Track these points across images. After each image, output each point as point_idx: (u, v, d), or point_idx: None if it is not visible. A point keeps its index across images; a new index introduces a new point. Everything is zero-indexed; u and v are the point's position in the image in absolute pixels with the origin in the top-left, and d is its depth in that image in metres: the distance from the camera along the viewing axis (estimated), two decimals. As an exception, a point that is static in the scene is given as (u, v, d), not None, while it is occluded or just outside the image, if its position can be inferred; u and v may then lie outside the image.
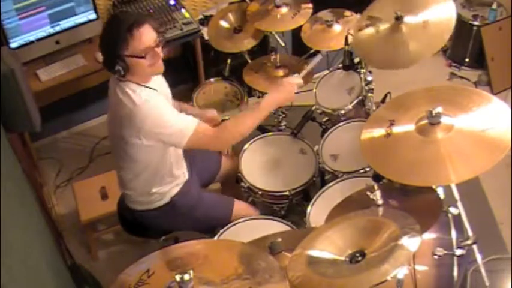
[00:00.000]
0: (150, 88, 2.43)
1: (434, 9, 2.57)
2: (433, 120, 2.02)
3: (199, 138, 2.42)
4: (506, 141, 1.90)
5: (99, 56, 3.40)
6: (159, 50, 2.38)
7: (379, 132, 2.15)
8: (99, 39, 2.41)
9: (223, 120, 2.97)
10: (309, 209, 2.68)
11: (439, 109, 2.01)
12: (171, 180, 2.61)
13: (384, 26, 2.68)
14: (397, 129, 2.12)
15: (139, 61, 2.34)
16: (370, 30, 2.73)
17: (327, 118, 3.17)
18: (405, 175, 1.99)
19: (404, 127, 2.11)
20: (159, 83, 2.54)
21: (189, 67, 4.02)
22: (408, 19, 2.60)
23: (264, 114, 2.55)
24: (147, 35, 2.33)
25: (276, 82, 2.84)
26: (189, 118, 2.44)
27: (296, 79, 2.71)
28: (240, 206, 2.79)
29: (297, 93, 3.32)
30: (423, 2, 2.63)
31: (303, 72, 2.87)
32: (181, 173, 2.67)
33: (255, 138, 3.09)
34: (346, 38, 2.88)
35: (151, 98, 2.38)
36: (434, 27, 2.53)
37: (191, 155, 2.76)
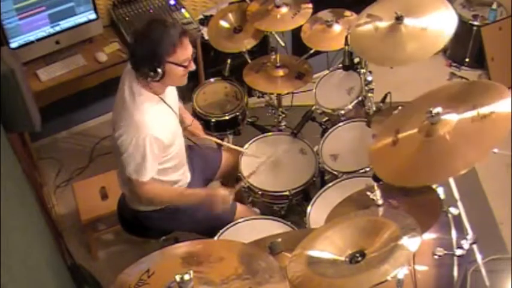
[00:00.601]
0: (161, 100, 2.44)
1: (435, 15, 2.58)
2: (434, 120, 2.02)
3: (140, 186, 2.45)
4: (507, 119, 1.92)
5: (100, 56, 3.44)
6: (192, 63, 2.42)
7: (386, 142, 2.16)
8: (138, 39, 2.38)
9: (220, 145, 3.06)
10: (309, 209, 2.68)
11: (439, 109, 2.01)
12: (172, 184, 2.61)
13: (383, 25, 2.68)
14: (402, 135, 2.13)
15: (177, 69, 2.36)
16: (368, 27, 2.73)
17: (327, 118, 3.17)
18: (416, 178, 2.01)
19: (408, 132, 2.12)
20: (171, 92, 2.56)
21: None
22: (408, 21, 2.60)
23: (184, 201, 2.62)
24: (190, 46, 2.39)
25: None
26: (152, 170, 2.44)
27: (225, 193, 2.63)
28: (241, 210, 2.79)
29: (297, 93, 3.35)
30: (425, 7, 2.63)
31: (233, 191, 2.73)
32: (183, 176, 2.67)
33: (255, 138, 3.09)
34: (346, 38, 2.88)
35: (151, 121, 2.37)
36: (432, 33, 2.54)
37: (191, 155, 2.76)
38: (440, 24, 2.54)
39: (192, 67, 2.43)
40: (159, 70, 2.33)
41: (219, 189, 2.66)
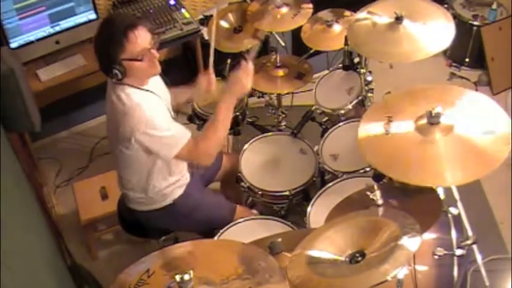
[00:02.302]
0: (147, 90, 2.42)
1: (434, 23, 2.59)
2: (433, 120, 2.02)
3: (190, 149, 2.42)
4: (504, 149, 1.90)
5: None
6: (154, 51, 2.37)
7: (377, 128, 2.13)
8: (94, 44, 2.38)
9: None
10: (309, 209, 2.68)
11: (439, 109, 2.01)
12: (171, 183, 2.61)
13: (382, 21, 2.68)
14: (395, 126, 2.11)
15: (136, 64, 2.32)
16: (367, 22, 2.73)
17: (327, 118, 3.17)
18: (403, 173, 1.98)
19: (403, 124, 2.10)
20: (156, 84, 2.53)
21: (189, 67, 4.02)
22: (407, 23, 2.61)
23: (227, 113, 2.52)
24: (142, 37, 2.31)
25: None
26: (182, 128, 2.42)
27: (242, 71, 2.56)
28: (240, 211, 2.79)
29: (297, 93, 3.35)
30: (425, 14, 2.64)
31: (250, 56, 2.71)
32: (181, 176, 2.66)
33: (255, 138, 3.09)
34: (346, 38, 2.88)
35: (144, 101, 2.36)
36: (429, 39, 2.55)
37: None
38: (438, 33, 2.56)
39: (155, 56, 2.36)
40: (116, 70, 2.30)
41: (235, 74, 2.56)
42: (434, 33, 2.56)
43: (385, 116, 2.14)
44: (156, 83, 2.54)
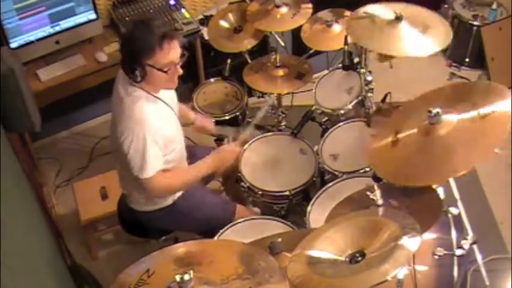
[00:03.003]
0: (158, 98, 2.42)
1: (433, 26, 2.60)
2: (434, 120, 2.02)
3: (149, 183, 2.44)
4: (506, 119, 1.91)
5: (100, 56, 3.44)
6: (179, 67, 2.37)
7: (385, 142, 2.16)
8: (122, 39, 2.38)
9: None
10: (309, 209, 2.68)
11: (438, 109, 2.01)
12: None
13: (381, 18, 2.69)
14: (401, 135, 2.13)
15: (159, 73, 2.32)
16: (366, 19, 2.74)
17: (326, 118, 3.17)
18: (415, 178, 2.01)
19: (408, 133, 2.12)
20: (168, 93, 2.53)
21: (189, 67, 4.01)
22: (405, 25, 2.61)
23: (199, 175, 2.62)
24: (174, 50, 2.32)
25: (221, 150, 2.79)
26: (157, 162, 2.42)
27: (234, 147, 2.74)
28: (241, 211, 2.79)
29: (297, 93, 3.35)
30: (424, 19, 2.65)
31: (241, 139, 2.85)
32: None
33: (255, 138, 3.09)
34: (345, 38, 2.88)
35: (150, 116, 2.35)
36: (427, 40, 2.57)
37: (190, 154, 2.76)
38: (436, 36, 2.57)
39: (178, 72, 2.37)
40: (137, 72, 2.30)
41: (223, 146, 2.72)
42: (431, 40, 2.58)
43: (392, 131, 2.16)
44: (168, 91, 2.53)
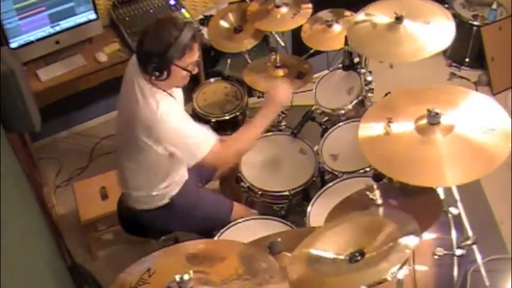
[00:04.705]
0: (172, 96, 2.44)
1: (434, 23, 2.59)
2: (433, 120, 2.02)
3: (217, 152, 2.43)
4: (505, 148, 1.90)
5: (100, 56, 3.44)
6: (196, 67, 2.42)
7: (378, 130, 2.13)
8: (143, 36, 2.34)
9: None
10: (309, 209, 2.68)
11: (438, 110, 2.01)
12: (173, 182, 2.61)
13: (381, 22, 2.68)
14: (395, 126, 2.11)
15: (182, 73, 2.36)
16: (366, 24, 2.73)
17: (326, 118, 3.17)
18: (404, 173, 1.98)
19: (403, 125, 2.10)
20: (177, 91, 2.55)
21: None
22: (407, 23, 2.61)
23: (263, 121, 2.59)
24: (197, 51, 2.38)
25: (272, 85, 2.79)
26: (206, 131, 2.45)
27: (284, 89, 2.68)
28: (238, 208, 2.79)
29: (297, 93, 3.34)
30: (426, 14, 2.64)
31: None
32: (179, 176, 2.66)
33: (255, 138, 3.08)
34: (346, 38, 2.89)
35: (173, 110, 2.37)
36: (430, 39, 2.56)
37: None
38: (439, 33, 2.56)
39: (196, 71, 2.43)
40: (165, 72, 2.32)
41: (271, 90, 2.65)
42: (435, 31, 2.56)
43: (385, 117, 2.14)
44: (177, 89, 2.55)
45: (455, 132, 1.99)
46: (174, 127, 2.35)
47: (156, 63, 2.31)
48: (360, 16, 2.79)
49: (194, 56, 2.36)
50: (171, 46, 2.29)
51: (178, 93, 2.55)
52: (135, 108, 2.37)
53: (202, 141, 2.42)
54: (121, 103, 2.52)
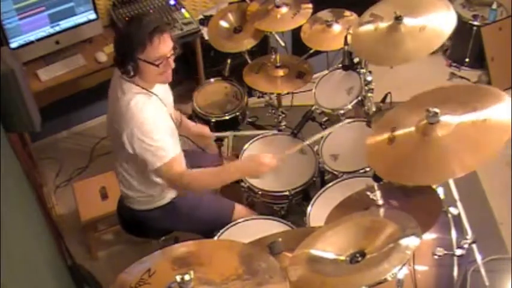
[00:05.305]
0: (152, 93, 2.43)
1: (434, 14, 2.58)
2: (432, 120, 2.01)
3: (170, 169, 2.41)
4: (506, 123, 1.90)
5: (100, 56, 3.44)
6: (171, 61, 2.39)
7: (382, 139, 2.14)
8: (115, 35, 2.41)
9: (217, 141, 3.09)
10: (309, 209, 2.68)
11: (437, 109, 2.01)
12: (166, 187, 2.61)
13: (382, 25, 2.68)
14: (399, 133, 2.11)
15: (151, 67, 2.35)
16: (369, 27, 2.73)
17: (326, 118, 3.17)
18: (411, 176, 1.98)
19: (406, 131, 2.10)
20: (163, 90, 2.55)
21: (189, 67, 4.02)
22: (407, 21, 2.61)
23: (228, 179, 2.57)
24: (165, 44, 2.34)
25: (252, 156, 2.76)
26: (172, 145, 2.42)
27: (270, 159, 2.55)
28: (239, 209, 2.79)
29: (297, 93, 3.34)
30: (426, 6, 2.63)
31: (281, 156, 2.70)
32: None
33: (255, 138, 3.09)
34: (345, 38, 2.88)
35: (147, 105, 2.38)
36: (431, 31, 2.54)
37: (189, 154, 2.76)
38: (440, 22, 2.54)
39: (170, 66, 2.40)
40: (130, 67, 2.33)
41: (260, 156, 2.55)
42: (436, 21, 2.54)
43: (389, 127, 2.15)
44: (163, 89, 2.55)
45: (456, 125, 1.98)
46: (141, 120, 2.34)
47: (121, 59, 2.35)
48: (364, 23, 2.79)
49: (158, 49, 2.32)
50: (132, 40, 2.31)
51: (163, 92, 2.53)
52: (116, 105, 2.40)
53: (163, 148, 2.38)
54: (108, 104, 2.53)
